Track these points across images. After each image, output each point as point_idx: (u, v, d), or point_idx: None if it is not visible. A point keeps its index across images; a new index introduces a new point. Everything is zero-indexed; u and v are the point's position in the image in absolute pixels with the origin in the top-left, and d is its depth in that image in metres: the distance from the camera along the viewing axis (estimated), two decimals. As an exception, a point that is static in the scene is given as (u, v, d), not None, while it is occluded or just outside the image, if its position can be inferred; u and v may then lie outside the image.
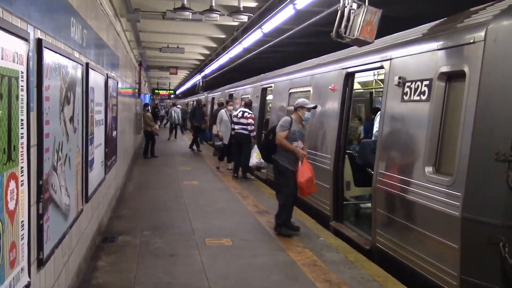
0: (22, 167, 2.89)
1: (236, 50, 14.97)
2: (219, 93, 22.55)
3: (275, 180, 7.53)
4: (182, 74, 33.74)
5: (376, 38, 5.83)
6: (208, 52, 20.04)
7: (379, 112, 7.57)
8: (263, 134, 12.90)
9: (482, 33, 4.53)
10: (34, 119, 3.23)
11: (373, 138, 7.69)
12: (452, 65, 4.97)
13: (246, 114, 12.01)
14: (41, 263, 3.39)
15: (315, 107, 7.53)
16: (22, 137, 2.88)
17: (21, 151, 2.87)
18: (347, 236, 7.02)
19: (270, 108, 13.97)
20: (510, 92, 4.36)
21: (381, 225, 6.07)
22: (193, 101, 34.14)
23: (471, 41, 4.66)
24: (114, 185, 9.04)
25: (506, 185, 4.27)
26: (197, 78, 30.47)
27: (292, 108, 10.56)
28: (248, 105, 12.52)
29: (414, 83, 5.54)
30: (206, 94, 27.54)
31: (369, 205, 6.86)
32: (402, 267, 5.47)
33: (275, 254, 6.18)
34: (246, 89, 16.09)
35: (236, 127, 12.09)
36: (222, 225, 7.58)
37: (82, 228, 5.36)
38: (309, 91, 9.38)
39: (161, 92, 43.42)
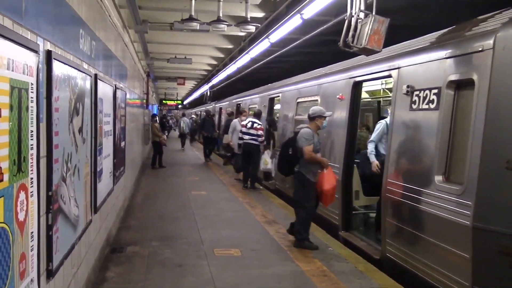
0: (32, 178, 2.90)
1: (243, 60, 15.01)
2: (226, 103, 22.62)
3: (296, 193, 7.12)
4: (189, 84, 33.86)
5: (383, 47, 5.82)
6: (215, 63, 20.11)
7: (380, 121, 7.54)
8: (269, 144, 12.92)
9: (491, 41, 4.51)
10: (44, 130, 3.24)
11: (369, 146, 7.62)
12: (461, 74, 4.95)
13: (255, 125, 12.03)
14: (50, 274, 3.39)
15: (331, 115, 7.40)
16: (32, 148, 2.89)
17: (31, 162, 2.88)
18: (356, 246, 6.97)
19: (277, 118, 13.99)
20: (520, 100, 4.33)
21: (390, 234, 6.03)
22: (200, 112, 34.27)
23: (480, 49, 4.65)
24: (122, 196, 9.05)
25: (517, 193, 4.24)
26: (205, 88, 30.55)
27: (300, 117, 10.59)
28: (258, 115, 12.53)
29: (422, 91, 5.52)
30: (213, 104, 27.60)
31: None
32: (413, 277, 5.42)
33: (284, 265, 6.15)
34: (254, 99, 16.13)
35: (246, 137, 12.08)
36: (231, 235, 7.55)
37: (91, 239, 5.36)
38: (317, 100, 9.38)
39: (169, 102, 43.54)
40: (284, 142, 7.25)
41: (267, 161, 12.20)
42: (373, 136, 7.53)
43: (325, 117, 7.06)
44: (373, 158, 7.31)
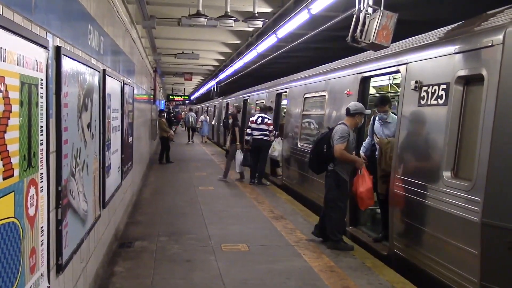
0: (41, 173, 2.92)
1: (250, 55, 15.00)
2: (233, 98, 22.60)
3: (329, 193, 6.79)
4: (196, 80, 33.88)
5: (392, 42, 5.80)
6: (222, 58, 20.11)
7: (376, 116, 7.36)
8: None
9: (501, 36, 4.48)
10: (53, 125, 3.25)
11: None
12: (470, 69, 4.92)
13: (266, 120, 12.03)
14: (60, 268, 3.41)
15: (369, 114, 7.13)
16: (41, 144, 2.91)
17: (40, 158, 2.90)
18: (364, 242, 6.96)
19: (284, 113, 13.98)
20: (530, 96, 4.31)
21: (398, 230, 6.02)
22: (207, 107, 34.30)
23: (489, 44, 4.61)
24: (130, 191, 9.09)
25: (527, 190, 4.22)
26: (212, 83, 30.57)
27: (307, 113, 10.58)
28: (266, 110, 12.49)
29: (431, 87, 5.49)
30: (220, 100, 27.61)
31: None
32: (421, 273, 5.41)
33: (292, 260, 6.15)
34: (261, 94, 16.11)
35: (255, 133, 12.04)
36: (238, 231, 7.57)
37: (100, 234, 5.39)
38: (324, 96, 9.36)
39: (176, 98, 43.62)
40: (318, 138, 6.97)
41: (275, 148, 12.19)
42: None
43: (365, 115, 6.87)
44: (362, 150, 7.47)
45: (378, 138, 6.91)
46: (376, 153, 6.98)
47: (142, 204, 9.74)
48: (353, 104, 6.86)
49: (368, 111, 7.02)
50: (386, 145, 6.52)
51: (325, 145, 6.67)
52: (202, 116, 29.87)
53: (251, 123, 12.29)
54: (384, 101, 7.04)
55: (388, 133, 6.86)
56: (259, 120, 12.06)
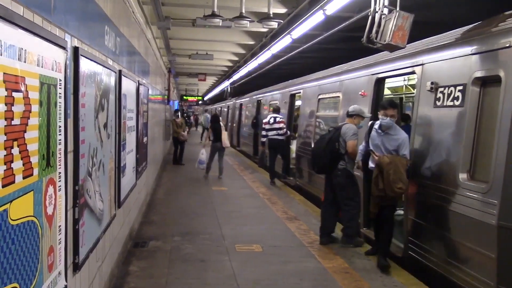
0: (59, 173, 2.95)
1: (264, 56, 15.00)
2: (247, 99, 22.62)
3: (345, 191, 6.86)
4: (210, 80, 33.99)
5: (407, 43, 5.76)
6: (236, 59, 20.15)
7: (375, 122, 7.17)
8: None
9: (519, 37, 4.43)
10: (71, 125, 3.29)
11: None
12: (487, 70, 4.88)
13: (278, 119, 12.29)
14: (76, 267, 3.45)
15: (369, 117, 7.15)
16: (59, 143, 2.94)
17: (58, 157, 2.93)
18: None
19: (297, 114, 13.97)
20: (548, 97, 4.26)
21: (413, 232, 5.97)
22: (221, 108, 34.36)
23: (507, 45, 4.56)
24: (144, 191, 9.14)
25: (545, 192, 4.17)
26: (225, 84, 30.63)
27: (321, 114, 10.55)
28: (277, 110, 12.69)
29: (447, 88, 5.45)
30: (234, 100, 27.65)
31: (400, 212, 6.74)
32: (436, 276, 5.37)
33: (306, 261, 6.15)
34: (274, 95, 16.11)
35: (270, 133, 12.29)
36: (252, 231, 7.58)
37: (115, 233, 5.43)
38: (339, 97, 9.33)
39: (189, 98, 43.77)
40: (327, 139, 6.97)
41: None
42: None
43: (363, 117, 7.01)
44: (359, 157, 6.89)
45: (376, 155, 6.00)
46: (370, 165, 6.26)
47: (156, 204, 9.79)
48: (352, 107, 7.20)
49: (368, 114, 7.13)
50: (388, 166, 5.70)
51: (337, 143, 6.85)
52: None
53: (264, 124, 12.49)
54: (393, 105, 6.17)
55: (389, 148, 5.98)
56: (272, 120, 12.28)
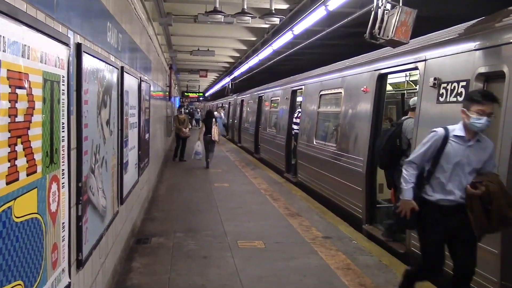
0: (63, 170, 2.95)
1: (266, 52, 14.97)
2: (248, 95, 22.60)
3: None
4: (211, 76, 33.93)
5: (410, 39, 5.74)
6: (238, 55, 20.11)
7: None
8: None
9: (523, 33, 4.41)
10: (74, 122, 3.28)
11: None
12: (490, 66, 4.86)
13: (299, 114, 12.89)
14: (80, 264, 3.45)
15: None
16: (63, 140, 2.94)
17: (62, 154, 2.92)
18: (380, 240, 6.92)
19: (299, 110, 13.97)
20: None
21: (416, 228, 5.95)
22: (222, 104, 34.32)
23: (511, 40, 4.54)
24: (146, 187, 9.14)
25: (549, 188, 4.14)
26: (227, 80, 30.60)
27: (323, 110, 10.54)
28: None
29: (450, 84, 5.43)
30: (235, 97, 27.63)
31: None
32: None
33: (309, 257, 6.14)
34: (276, 91, 16.09)
35: (295, 127, 12.92)
36: (254, 228, 7.57)
37: (118, 230, 5.43)
38: (341, 93, 9.31)
39: (191, 94, 43.74)
40: (389, 135, 6.67)
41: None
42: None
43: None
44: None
45: (478, 185, 4.09)
46: (443, 198, 4.25)
47: (158, 200, 9.79)
48: (413, 99, 6.74)
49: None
50: (498, 195, 4.02)
51: (398, 139, 6.56)
52: (215, 113, 29.92)
53: (295, 119, 13.15)
54: (491, 97, 4.11)
55: (476, 166, 4.19)
56: (296, 114, 13.06)
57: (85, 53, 3.48)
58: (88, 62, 3.62)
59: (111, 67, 4.65)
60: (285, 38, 12.07)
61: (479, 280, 4.67)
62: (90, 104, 3.72)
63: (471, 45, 5.18)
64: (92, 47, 3.83)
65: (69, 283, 3.08)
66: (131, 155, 6.42)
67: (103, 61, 4.23)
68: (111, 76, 4.69)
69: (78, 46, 3.36)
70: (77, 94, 3.34)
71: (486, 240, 4.55)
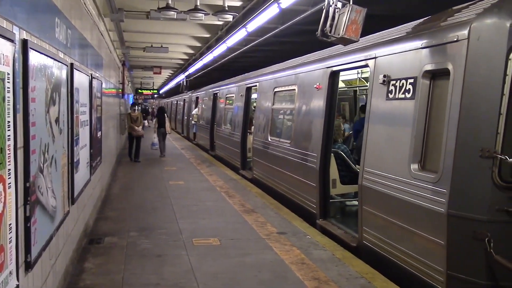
0: (9, 170, 2.86)
1: (220, 49, 14.97)
2: (203, 92, 22.51)
3: None
4: (166, 73, 33.61)
5: (361, 37, 5.86)
6: (192, 52, 20.00)
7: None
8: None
9: (466, 32, 4.58)
10: (21, 121, 3.19)
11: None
12: (436, 63, 5.02)
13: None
14: (29, 266, 3.36)
15: None
16: (9, 139, 2.85)
17: (8, 154, 2.84)
18: (334, 234, 7.05)
19: (254, 107, 14.02)
20: (493, 90, 4.42)
21: (367, 222, 6.11)
22: (176, 101, 34.01)
23: (455, 39, 4.71)
24: (99, 186, 8.98)
25: (491, 181, 4.34)
26: (181, 77, 30.36)
27: (277, 107, 10.62)
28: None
29: (399, 81, 5.58)
30: (190, 94, 27.45)
31: (355, 202, 6.88)
32: (390, 264, 5.52)
33: (263, 253, 6.19)
34: (231, 88, 16.09)
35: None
36: (210, 225, 7.57)
37: (69, 230, 5.32)
38: (294, 90, 9.40)
39: (145, 92, 43.19)
40: None
41: None
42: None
43: None
44: None
45: None
46: None
47: (112, 199, 9.64)
48: None
49: None
50: None
51: None
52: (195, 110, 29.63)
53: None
54: None
55: None
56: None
57: (31, 50, 3.39)
58: (35, 58, 3.53)
59: (60, 63, 4.54)
60: (239, 35, 12.10)
61: (426, 270, 4.84)
62: (38, 102, 3.62)
63: (418, 43, 5.33)
64: (39, 43, 3.73)
65: (17, 286, 3.00)
66: (83, 154, 6.29)
67: (51, 57, 4.13)
68: (60, 73, 4.58)
69: (24, 43, 3.27)
70: (23, 91, 3.25)
71: (433, 231, 4.73)
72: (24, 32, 3.31)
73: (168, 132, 17.62)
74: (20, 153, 3.17)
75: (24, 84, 3.26)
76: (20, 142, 3.17)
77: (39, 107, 3.66)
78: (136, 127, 15.54)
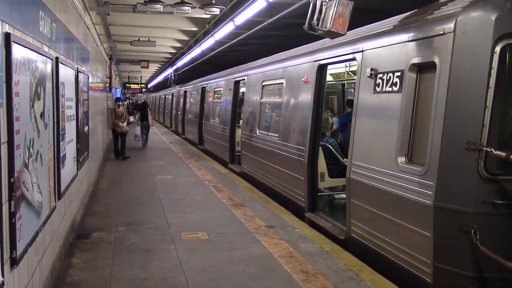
0: (-8, 165, 2.83)
1: (208, 43, 14.90)
2: (191, 86, 22.42)
3: None
4: (153, 67, 33.43)
5: (348, 30, 5.86)
6: (180, 45, 19.89)
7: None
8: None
9: (452, 25, 4.60)
10: (4, 115, 3.15)
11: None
12: (422, 57, 5.04)
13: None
14: (14, 262, 3.33)
15: None
16: (-8, 134, 2.82)
17: (-9, 149, 2.80)
18: (322, 227, 7.08)
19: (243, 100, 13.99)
20: (479, 82, 4.45)
21: (355, 215, 6.14)
22: (165, 95, 33.85)
23: (441, 32, 4.73)
24: (86, 181, 8.92)
25: (477, 173, 4.37)
26: (169, 71, 30.21)
27: (265, 100, 10.61)
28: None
29: (386, 74, 5.60)
30: (178, 88, 27.33)
31: (343, 196, 6.90)
32: (377, 256, 5.56)
33: (252, 247, 6.20)
34: (219, 82, 16.04)
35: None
36: (198, 219, 7.55)
37: (55, 226, 5.28)
38: (282, 83, 9.40)
39: (133, 86, 42.91)
40: None
41: None
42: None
43: None
44: None
45: None
46: None
47: (99, 194, 9.58)
48: None
49: None
50: None
51: None
52: None
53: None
54: None
55: None
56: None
57: (14, 43, 3.34)
58: (19, 52, 3.48)
59: (44, 57, 4.49)
60: (227, 28, 12.05)
61: (413, 262, 4.88)
62: (22, 96, 3.58)
63: (405, 36, 5.34)
64: (22, 36, 3.68)
65: (2, 282, 2.97)
66: (69, 149, 6.24)
67: (35, 51, 4.07)
68: (45, 67, 4.53)
69: (7, 36, 3.22)
70: (6, 85, 3.20)
71: (420, 224, 4.76)
72: (7, 25, 3.26)
73: (151, 125, 19.01)
74: (4, 148, 3.13)
75: (8, 78, 3.21)
76: (4, 137, 3.13)
77: (23, 101, 3.61)
78: (121, 123, 14.89)
